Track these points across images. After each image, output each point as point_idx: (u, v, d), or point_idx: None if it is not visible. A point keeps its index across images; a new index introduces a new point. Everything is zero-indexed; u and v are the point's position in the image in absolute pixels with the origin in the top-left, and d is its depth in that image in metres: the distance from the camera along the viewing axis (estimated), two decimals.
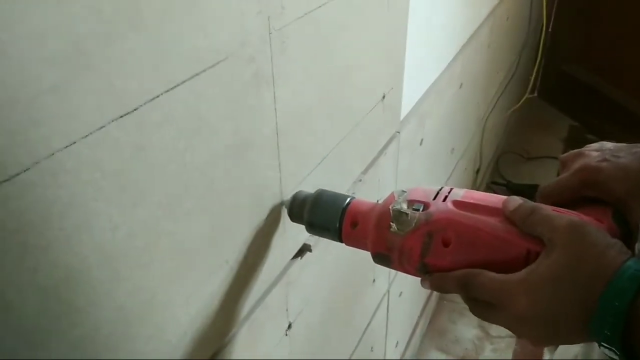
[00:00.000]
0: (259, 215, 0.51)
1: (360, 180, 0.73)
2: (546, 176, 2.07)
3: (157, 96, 0.34)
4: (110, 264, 0.34)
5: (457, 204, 0.41)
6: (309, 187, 0.56)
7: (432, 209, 0.41)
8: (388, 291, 1.06)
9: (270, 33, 0.44)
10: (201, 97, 0.38)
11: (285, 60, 0.47)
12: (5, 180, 0.26)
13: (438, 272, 0.41)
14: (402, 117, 0.86)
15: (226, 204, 0.45)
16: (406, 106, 0.87)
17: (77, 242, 0.31)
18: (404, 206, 0.42)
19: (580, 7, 2.33)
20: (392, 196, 0.43)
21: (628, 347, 0.32)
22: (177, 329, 0.43)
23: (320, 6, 0.51)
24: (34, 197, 0.28)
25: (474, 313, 0.40)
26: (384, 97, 0.73)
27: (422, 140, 1.00)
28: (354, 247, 0.47)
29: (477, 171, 1.77)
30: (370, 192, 0.79)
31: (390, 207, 0.42)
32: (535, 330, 0.36)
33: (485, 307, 0.38)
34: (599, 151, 0.44)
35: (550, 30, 2.57)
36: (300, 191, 0.52)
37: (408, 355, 1.39)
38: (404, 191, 0.43)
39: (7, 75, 0.25)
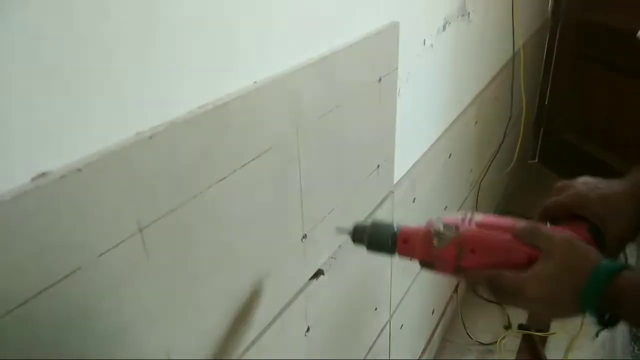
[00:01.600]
0: (289, 245, 0.78)
1: None
2: None
3: (235, 170, 0.62)
4: None
5: (479, 224, 0.58)
6: (323, 230, 0.83)
7: (461, 229, 0.58)
8: (389, 321, 1.29)
9: (297, 129, 0.72)
10: (258, 168, 0.66)
11: (306, 146, 0.75)
12: None
13: (471, 271, 0.57)
14: (395, 181, 1.13)
15: (273, 240, 0.72)
16: (399, 172, 1.14)
17: None
18: (441, 228, 0.58)
19: (573, 82, 2.61)
20: (430, 221, 0.60)
21: (602, 315, 0.51)
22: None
23: (330, 110, 0.80)
24: None
25: (497, 300, 0.58)
26: (378, 166, 1.01)
27: (414, 198, 1.27)
28: (405, 257, 0.63)
29: None
30: None
31: (431, 229, 0.59)
32: (541, 308, 0.54)
33: (506, 295, 0.55)
34: (585, 184, 0.61)
35: (547, 103, 2.87)
36: (357, 222, 0.69)
37: None
38: (439, 217, 0.60)
39: None
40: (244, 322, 0.71)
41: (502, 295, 0.55)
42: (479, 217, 0.59)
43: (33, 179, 0.41)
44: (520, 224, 0.57)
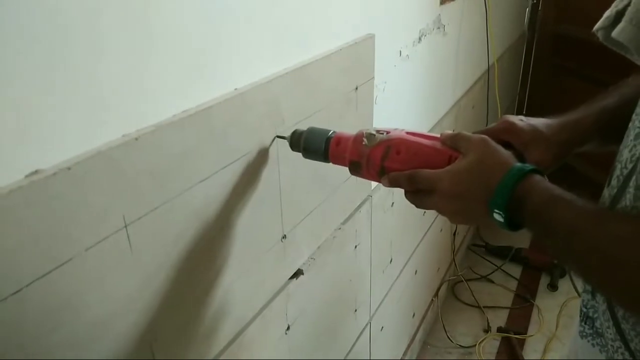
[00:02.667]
0: (269, 245, 0.81)
1: (340, 229, 1.04)
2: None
3: (217, 171, 0.66)
4: None
5: (408, 133, 0.62)
6: (302, 231, 0.87)
7: (391, 133, 0.63)
8: (369, 323, 1.32)
9: (275, 136, 0.76)
10: (238, 171, 0.70)
11: (285, 150, 0.79)
12: None
13: (392, 173, 0.60)
14: (373, 186, 1.17)
15: (254, 239, 0.75)
16: None
17: None
18: (373, 131, 0.64)
19: (549, 93, 2.70)
20: (362, 130, 0.65)
21: (509, 215, 0.52)
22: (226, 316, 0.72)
23: (308, 117, 0.84)
24: None
25: (415, 203, 0.59)
26: None
27: (392, 203, 1.31)
28: (336, 163, 0.67)
29: (455, 233, 2.06)
30: (349, 238, 1.09)
31: (363, 131, 0.64)
32: (453, 204, 0.55)
33: (422, 195, 0.57)
34: (520, 119, 0.64)
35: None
36: (296, 129, 0.73)
37: None
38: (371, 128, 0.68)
39: None
40: (225, 319, 0.74)
41: (419, 195, 0.58)
42: (411, 130, 0.63)
43: (27, 176, 0.45)
44: (445, 132, 0.60)
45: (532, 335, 1.94)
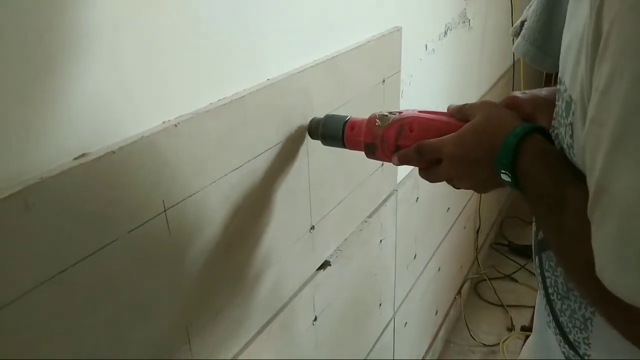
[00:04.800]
0: (298, 235, 0.82)
1: (366, 222, 1.04)
2: None
3: (250, 160, 0.67)
4: None
5: (421, 111, 0.63)
6: (330, 222, 0.88)
7: (403, 113, 0.64)
8: (393, 318, 1.33)
9: (298, 126, 0.77)
10: (270, 160, 0.71)
11: (314, 142, 0.80)
12: None
13: (402, 150, 0.61)
14: (398, 180, 1.17)
15: (283, 229, 0.76)
16: (402, 171, 1.19)
17: None
18: (385, 112, 0.65)
19: None
20: (375, 113, 0.66)
21: (513, 174, 0.50)
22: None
23: (337, 108, 0.84)
24: None
25: (427, 177, 0.60)
26: (382, 164, 1.06)
27: (417, 198, 1.31)
28: (352, 148, 0.69)
29: (478, 231, 2.04)
30: (374, 231, 1.09)
31: (376, 113, 0.65)
32: (461, 168, 0.54)
33: (432, 166, 0.57)
34: (522, 92, 0.63)
35: None
36: (314, 117, 0.75)
37: None
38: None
39: None
40: (256, 306, 0.76)
41: (428, 169, 0.58)
42: (423, 109, 0.64)
43: (75, 159, 0.46)
44: (454, 104, 0.61)
45: None
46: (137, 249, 0.53)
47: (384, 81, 0.98)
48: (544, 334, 0.62)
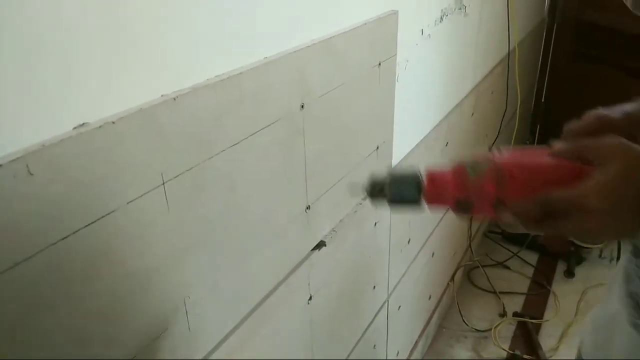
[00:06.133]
0: (294, 214, 0.83)
1: (361, 204, 1.06)
2: None
3: (246, 137, 0.68)
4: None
5: (512, 153, 0.51)
6: (326, 203, 0.89)
7: (495, 158, 0.51)
8: (387, 301, 1.34)
9: (302, 106, 0.78)
10: (266, 138, 0.72)
11: (310, 120, 0.81)
12: None
13: (514, 203, 0.49)
14: (394, 164, 1.18)
15: (280, 207, 0.77)
16: (398, 155, 1.20)
17: None
18: (473, 159, 0.52)
19: (569, 79, 2.68)
20: (457, 159, 0.53)
21: None
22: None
23: (334, 88, 0.85)
24: None
25: (545, 230, 0.50)
26: (377, 147, 1.07)
27: None
28: (434, 204, 0.53)
29: (471, 218, 2.06)
30: (369, 214, 1.10)
31: (461, 161, 0.52)
32: (603, 221, 0.47)
33: (556, 219, 0.48)
34: (603, 109, 0.57)
35: (543, 100, 2.94)
36: (373, 174, 0.58)
37: None
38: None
39: None
40: (251, 283, 0.77)
41: (551, 221, 0.48)
42: (508, 150, 0.53)
43: (75, 128, 0.47)
44: (556, 144, 0.51)
45: (548, 321, 1.94)
46: (136, 220, 0.54)
47: (379, 64, 0.99)
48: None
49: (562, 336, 1.88)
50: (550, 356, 1.80)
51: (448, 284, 1.95)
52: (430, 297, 1.76)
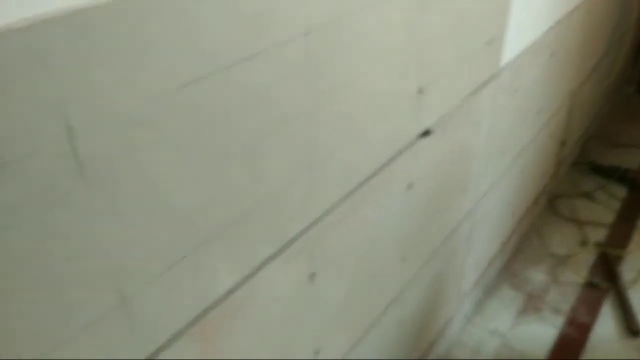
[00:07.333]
0: (406, 96, 0.83)
1: (468, 100, 1.03)
2: (630, 159, 2.24)
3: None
4: None
5: None
6: (436, 88, 0.88)
7: None
8: (474, 209, 1.34)
9: None
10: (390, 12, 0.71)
11: None
12: None
13: None
14: (502, 64, 1.14)
15: (391, 83, 0.77)
16: (506, 56, 1.15)
17: None
18: None
19: None
20: None
21: None
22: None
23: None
24: None
25: None
26: (490, 41, 1.03)
27: (516, 90, 1.27)
28: None
29: (563, 143, 1.98)
30: (473, 112, 1.08)
31: None
32: None
33: None
34: None
35: None
36: None
37: (484, 279, 1.65)
38: None
39: None
40: (362, 157, 0.78)
41: None
42: None
43: None
44: None
45: (631, 254, 1.88)
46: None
47: None
48: None
49: None
50: (629, 288, 1.76)
51: (531, 206, 1.92)
52: (513, 214, 1.74)
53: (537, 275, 1.82)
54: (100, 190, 0.42)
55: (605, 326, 1.62)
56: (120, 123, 0.42)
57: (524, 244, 1.93)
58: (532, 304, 1.70)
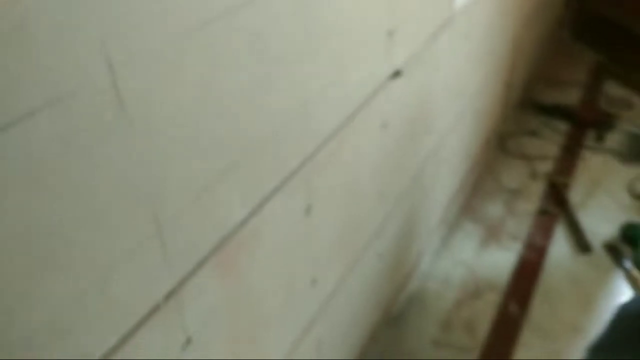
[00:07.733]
0: (375, 40, 0.89)
1: (429, 42, 1.11)
2: (571, 97, 2.41)
3: None
4: None
5: None
6: (404, 31, 0.95)
7: None
8: (438, 147, 1.44)
9: None
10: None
11: None
12: None
13: None
14: (456, 9, 1.21)
15: (364, 28, 0.83)
16: (458, 3, 1.23)
17: None
18: None
19: None
20: None
21: None
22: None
23: None
24: None
25: None
26: None
27: (468, 35, 1.36)
28: None
29: (509, 86, 2.11)
30: (433, 55, 1.16)
31: None
32: None
33: None
34: None
35: None
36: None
37: (447, 215, 1.77)
38: None
39: None
40: (336, 102, 0.85)
41: None
42: None
43: None
44: None
45: (576, 180, 2.06)
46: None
47: None
48: None
49: (588, 194, 2.00)
50: (577, 211, 1.93)
51: (483, 146, 2.05)
52: (468, 155, 1.86)
53: (494, 208, 1.96)
54: (139, 122, 0.46)
55: (559, 247, 1.79)
56: (151, 60, 0.46)
57: (480, 181, 2.07)
58: (492, 235, 1.85)
